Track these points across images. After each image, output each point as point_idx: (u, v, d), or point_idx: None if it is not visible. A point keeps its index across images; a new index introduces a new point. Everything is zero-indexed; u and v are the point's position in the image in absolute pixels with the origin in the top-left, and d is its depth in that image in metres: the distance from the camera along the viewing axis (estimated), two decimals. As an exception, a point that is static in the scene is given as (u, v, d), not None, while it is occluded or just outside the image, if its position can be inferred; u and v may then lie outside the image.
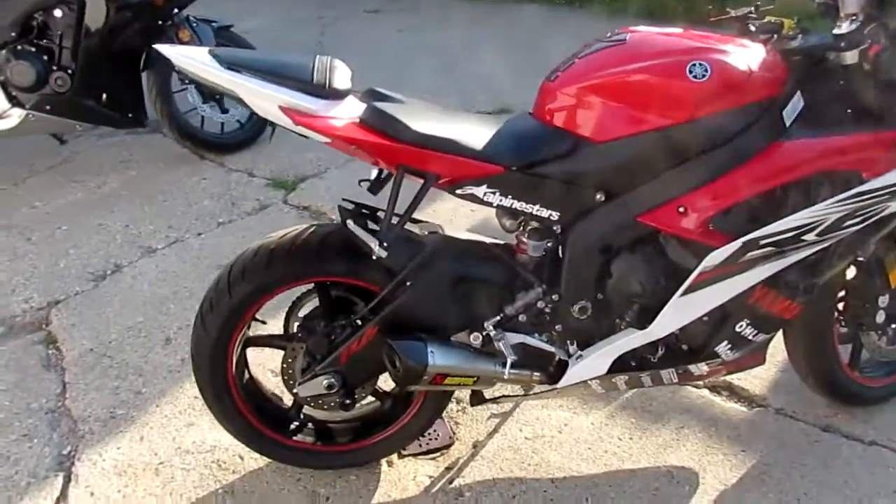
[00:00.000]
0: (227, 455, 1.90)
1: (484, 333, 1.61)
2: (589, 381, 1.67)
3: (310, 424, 1.81)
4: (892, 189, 1.52)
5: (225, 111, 3.50)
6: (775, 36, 1.54)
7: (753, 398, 2.05)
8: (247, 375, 1.78)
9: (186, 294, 2.53)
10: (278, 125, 1.46)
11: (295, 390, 1.67)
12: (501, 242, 1.67)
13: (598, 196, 1.53)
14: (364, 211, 1.61)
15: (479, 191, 1.51)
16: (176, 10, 3.31)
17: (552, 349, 1.64)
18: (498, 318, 1.60)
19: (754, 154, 1.49)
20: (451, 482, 1.81)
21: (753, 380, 2.09)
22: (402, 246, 1.53)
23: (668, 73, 1.43)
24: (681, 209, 1.50)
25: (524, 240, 1.61)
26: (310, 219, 3.03)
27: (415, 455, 1.89)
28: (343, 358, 1.61)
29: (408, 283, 1.56)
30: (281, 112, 1.41)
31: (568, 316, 1.61)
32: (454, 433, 1.95)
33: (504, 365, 1.58)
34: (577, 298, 1.59)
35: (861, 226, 1.56)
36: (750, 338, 1.64)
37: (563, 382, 1.65)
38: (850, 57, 1.50)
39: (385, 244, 1.48)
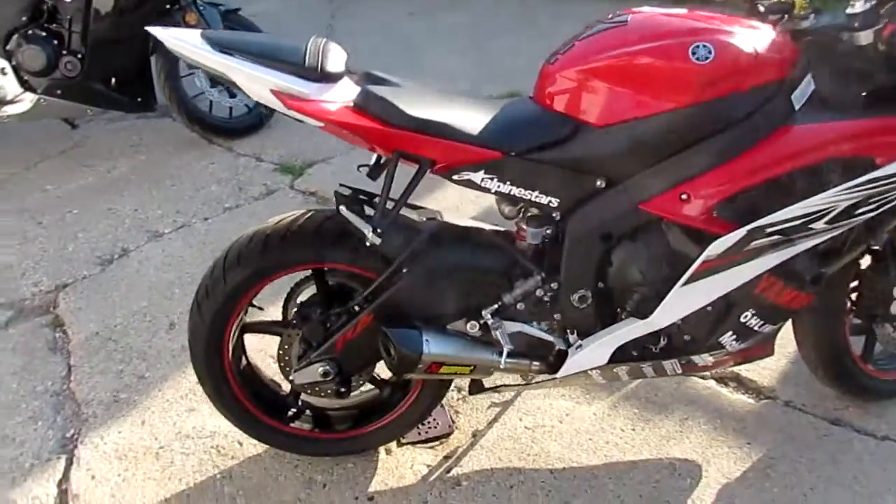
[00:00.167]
0: (226, 441, 1.90)
1: (481, 322, 1.58)
2: (589, 371, 1.64)
3: (308, 411, 1.80)
4: (906, 176, 1.46)
5: (233, 95, 3.48)
6: (786, 16, 1.48)
7: (761, 390, 2.00)
8: (244, 362, 1.77)
9: (191, 279, 2.53)
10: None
11: (291, 377, 1.66)
12: (501, 229, 1.64)
13: (598, 182, 1.49)
14: (361, 197, 1.59)
15: (477, 177, 1.48)
16: (183, -7, 3.29)
17: (551, 338, 1.61)
18: (496, 306, 1.57)
19: (761, 139, 1.43)
20: (448, 471, 1.80)
21: (762, 371, 2.04)
22: (397, 232, 1.50)
23: (670, 55, 1.38)
24: (683, 196, 1.45)
25: (523, 227, 1.57)
26: (316, 204, 3.02)
27: (413, 443, 1.87)
28: (339, 345, 1.60)
29: (404, 271, 1.53)
30: (272, 95, 1.38)
31: (567, 305, 1.57)
32: (454, 422, 1.93)
33: (501, 354, 1.55)
34: (577, 287, 1.56)
35: (874, 214, 1.50)
36: (756, 329, 1.59)
37: (562, 372, 1.62)
38: (865, 37, 1.43)
39: (378, 230, 1.45)
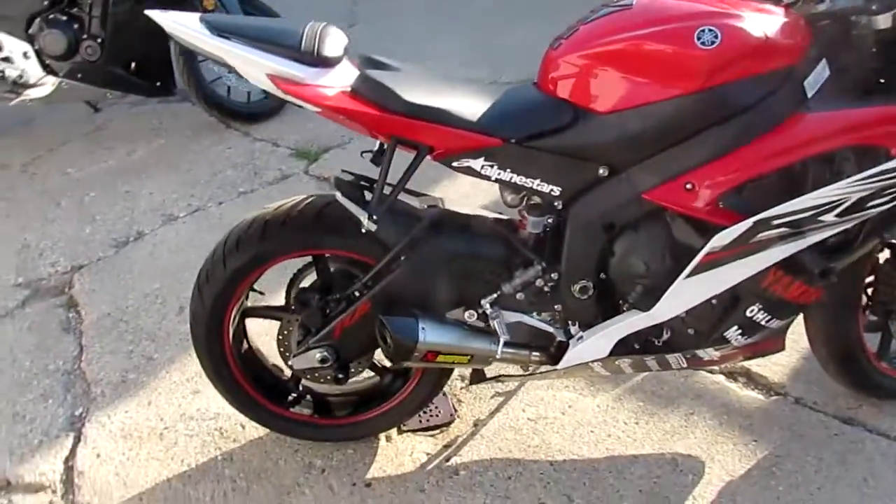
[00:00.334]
0: (229, 423, 1.91)
1: (480, 311, 1.56)
2: (591, 364, 1.61)
3: (308, 396, 1.80)
4: (923, 167, 1.40)
5: (251, 80, 3.48)
6: (800, 0, 1.43)
7: (771, 386, 1.95)
8: (245, 346, 1.77)
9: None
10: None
11: (290, 362, 1.66)
12: (504, 218, 1.61)
13: (601, 171, 1.46)
14: (363, 183, 1.57)
15: (476, 164, 1.46)
16: (201, -22, 3.29)
17: (551, 329, 1.59)
18: (495, 295, 1.55)
19: (770, 127, 1.38)
20: (447, 460, 1.79)
21: (773, 367, 1.99)
22: (394, 219, 1.49)
23: (674, 40, 1.34)
24: (688, 186, 1.41)
25: (525, 215, 1.55)
26: (329, 190, 3.01)
27: (414, 431, 1.87)
28: (336, 332, 1.59)
29: (402, 258, 1.52)
30: (268, 79, 1.38)
31: (568, 295, 1.55)
32: (456, 410, 1.92)
33: (498, 344, 1.53)
34: (578, 277, 1.53)
35: (888, 206, 1.45)
36: (763, 323, 1.55)
37: (563, 363, 1.59)
38: (883, 21, 1.37)
39: (374, 217, 1.43)
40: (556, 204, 1.50)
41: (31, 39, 3.29)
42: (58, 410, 2.01)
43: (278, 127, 3.59)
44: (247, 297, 1.71)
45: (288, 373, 1.80)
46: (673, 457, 1.77)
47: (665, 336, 1.59)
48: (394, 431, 1.86)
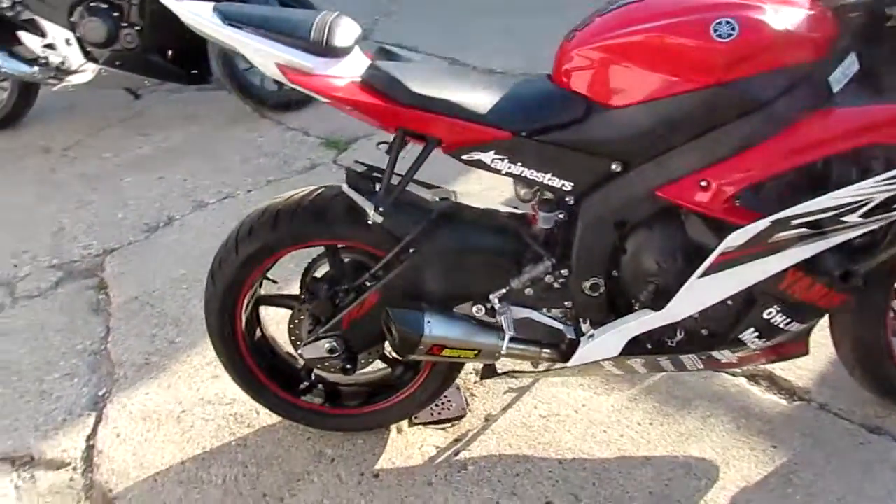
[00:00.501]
0: (244, 409, 1.94)
1: (488, 306, 1.55)
2: (602, 362, 1.58)
3: (320, 386, 1.81)
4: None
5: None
6: (828, -10, 1.36)
7: (795, 390, 1.89)
8: (259, 333, 1.79)
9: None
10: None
11: (300, 351, 1.67)
12: (517, 212, 1.59)
13: (613, 166, 1.42)
14: (375, 174, 1.57)
15: (487, 157, 1.44)
16: (238, -33, 3.32)
17: (561, 326, 1.56)
18: (504, 290, 1.53)
19: (791, 124, 1.33)
20: (456, 454, 1.78)
21: (798, 370, 1.93)
22: (401, 211, 1.48)
23: (690, 33, 1.29)
24: (703, 183, 1.37)
25: (537, 210, 1.52)
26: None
27: (425, 423, 1.87)
28: (345, 323, 1.60)
29: (410, 250, 1.51)
30: (277, 69, 1.38)
31: (578, 292, 1.52)
32: (468, 405, 1.91)
33: (504, 339, 1.51)
34: (589, 274, 1.50)
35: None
36: (782, 326, 1.49)
37: (573, 361, 1.57)
38: (918, 13, 1.30)
39: (380, 209, 1.43)
40: (567, 199, 1.47)
41: (73, 27, 3.39)
42: (82, 390, 2.08)
43: (310, 116, 3.62)
44: (260, 286, 1.72)
45: (301, 361, 1.81)
46: (686, 460, 1.72)
47: (678, 336, 1.55)
48: (405, 423, 1.86)
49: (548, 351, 1.60)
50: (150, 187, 3.10)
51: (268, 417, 1.91)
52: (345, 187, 1.48)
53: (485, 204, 1.61)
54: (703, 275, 1.41)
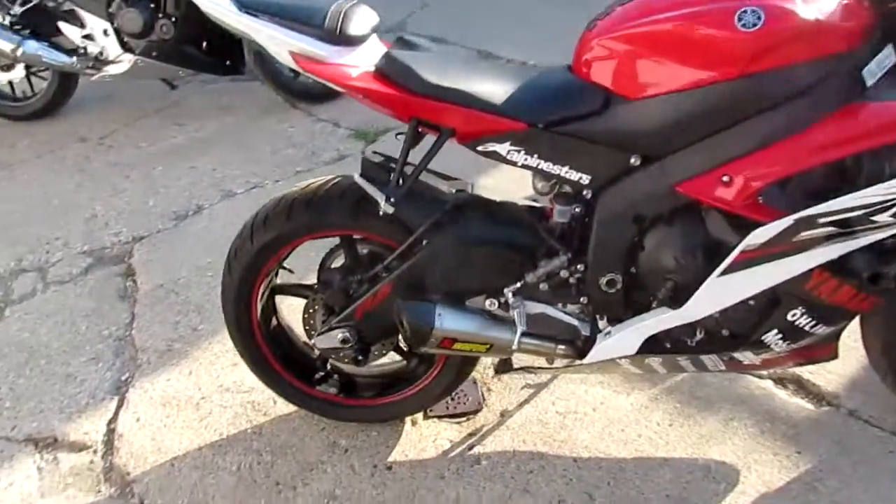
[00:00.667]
0: (262, 397, 1.95)
1: (502, 300, 1.52)
2: (619, 360, 1.54)
3: (335, 376, 1.81)
4: None
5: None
6: (865, -22, 1.30)
7: (823, 395, 1.82)
8: (274, 322, 1.80)
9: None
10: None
11: (313, 341, 1.67)
12: (534, 205, 1.56)
13: (632, 159, 1.38)
14: (392, 165, 1.55)
15: (502, 148, 1.41)
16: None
17: (576, 322, 1.53)
18: (518, 285, 1.50)
19: (819, 118, 1.27)
20: (470, 448, 1.76)
21: (828, 375, 1.86)
22: (414, 203, 1.46)
23: (713, 22, 1.24)
24: (725, 178, 1.32)
25: (554, 203, 1.49)
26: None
27: (440, 417, 1.85)
28: (358, 313, 1.59)
29: (423, 242, 1.50)
30: (291, 57, 1.37)
31: (595, 288, 1.48)
32: (484, 399, 1.89)
33: (516, 334, 1.49)
34: (606, 270, 1.46)
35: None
36: (807, 329, 1.44)
37: (588, 358, 1.53)
38: (960, 3, 1.23)
39: (392, 199, 1.42)
40: (585, 193, 1.44)
41: (110, 18, 3.44)
42: (106, 374, 2.11)
43: (341, 107, 3.62)
44: (276, 275, 1.73)
45: (317, 352, 1.81)
46: (706, 463, 1.68)
47: (698, 336, 1.50)
48: (420, 416, 1.85)
49: (563, 347, 1.57)
50: (181, 176, 3.14)
51: (284, 406, 1.92)
52: (357, 177, 1.47)
53: (503, 197, 1.58)
54: (724, 273, 1.36)
